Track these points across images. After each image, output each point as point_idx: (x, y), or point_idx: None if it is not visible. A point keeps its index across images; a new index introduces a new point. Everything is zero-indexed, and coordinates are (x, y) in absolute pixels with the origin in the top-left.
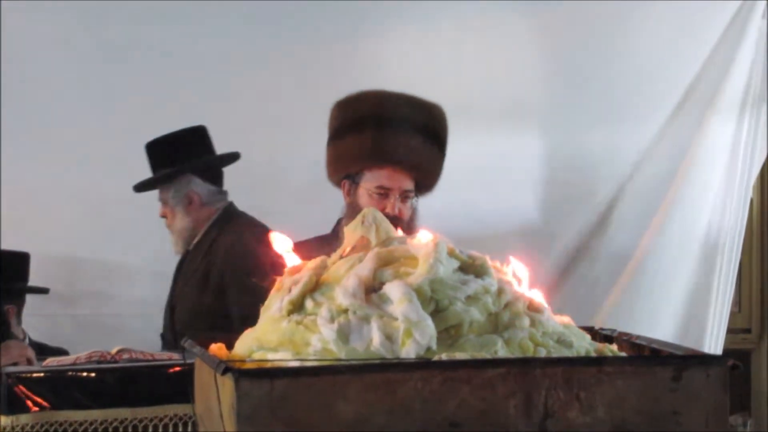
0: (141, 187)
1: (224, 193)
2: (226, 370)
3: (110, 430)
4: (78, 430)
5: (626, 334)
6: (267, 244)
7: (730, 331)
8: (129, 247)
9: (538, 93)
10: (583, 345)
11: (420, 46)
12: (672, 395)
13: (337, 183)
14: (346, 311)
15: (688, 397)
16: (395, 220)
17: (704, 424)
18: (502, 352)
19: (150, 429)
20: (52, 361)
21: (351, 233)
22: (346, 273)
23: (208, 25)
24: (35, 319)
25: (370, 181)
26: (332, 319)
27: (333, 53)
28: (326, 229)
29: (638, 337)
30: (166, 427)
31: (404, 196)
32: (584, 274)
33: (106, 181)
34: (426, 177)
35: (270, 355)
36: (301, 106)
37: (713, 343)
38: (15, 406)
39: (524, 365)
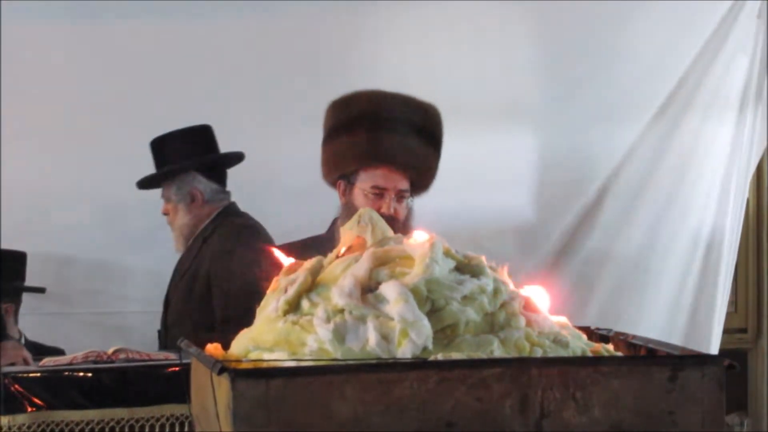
0: (144, 183)
1: (227, 193)
2: (222, 370)
3: (107, 429)
4: (75, 429)
5: (622, 334)
6: (256, 250)
7: (727, 330)
8: (127, 247)
9: (533, 92)
10: (579, 345)
11: (415, 46)
12: (668, 395)
13: (333, 183)
14: (342, 311)
15: (684, 397)
16: (391, 220)
17: (700, 423)
18: (498, 352)
19: (146, 429)
20: (48, 361)
21: (347, 233)
22: (342, 273)
23: (205, 25)
24: (32, 319)
25: (365, 181)
26: (328, 319)
27: (329, 53)
28: (323, 229)
29: (634, 336)
30: (162, 427)
31: (400, 196)
32: (579, 272)
33: (106, 180)
34: (421, 177)
35: (266, 355)
36: (297, 106)
37: (709, 343)
38: (12, 406)
39: (520, 365)
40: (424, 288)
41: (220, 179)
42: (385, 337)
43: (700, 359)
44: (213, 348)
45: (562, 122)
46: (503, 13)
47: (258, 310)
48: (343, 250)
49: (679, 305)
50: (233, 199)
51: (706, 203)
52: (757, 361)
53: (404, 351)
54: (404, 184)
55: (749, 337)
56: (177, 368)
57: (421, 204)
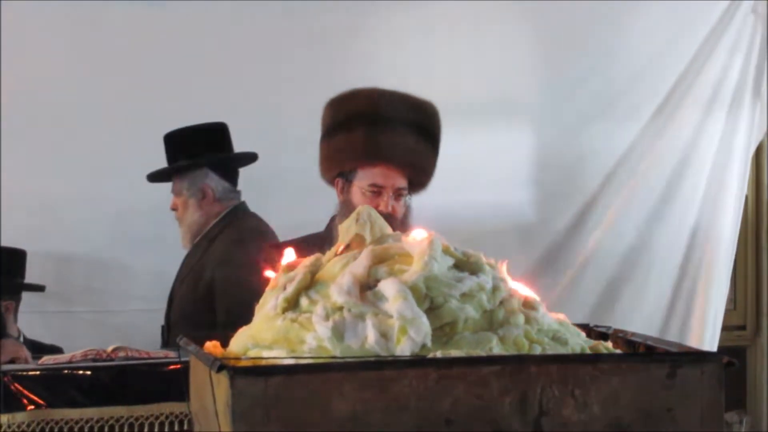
0: (155, 176)
1: (237, 193)
2: (221, 368)
3: (106, 427)
4: (74, 427)
5: (621, 331)
6: (263, 252)
7: (725, 328)
8: (128, 245)
9: (532, 90)
10: (578, 342)
11: (414, 45)
12: (667, 392)
13: (331, 181)
14: (341, 309)
15: (683, 394)
16: (389, 218)
17: (699, 421)
18: (497, 349)
19: (146, 427)
20: (47, 359)
21: (345, 231)
22: (341, 271)
23: (204, 24)
24: (33, 318)
25: (363, 179)
26: (327, 317)
27: (327, 51)
28: (323, 227)
29: (633, 334)
30: (161, 425)
31: (397, 194)
32: (577, 270)
33: (106, 178)
34: (419, 175)
35: (265, 353)
36: (295, 104)
37: (708, 341)
38: (11, 404)
39: (519, 362)
40: (422, 285)
41: (232, 178)
42: (384, 335)
43: (699, 356)
44: (212, 346)
45: (561, 120)
46: (502, 11)
47: (257, 308)
48: (341, 247)
49: (678, 302)
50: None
51: (705, 200)
52: (756, 359)
53: (403, 348)
54: (402, 182)
55: (748, 334)
56: (176, 366)
57: (420, 202)
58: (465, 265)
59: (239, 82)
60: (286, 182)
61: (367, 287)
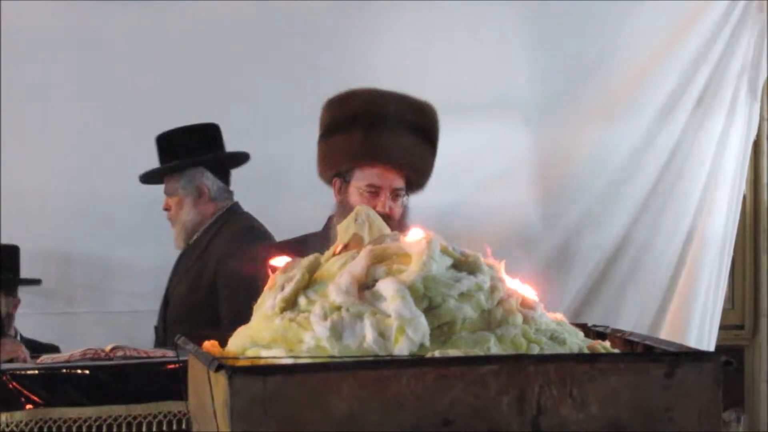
0: (149, 177)
1: (231, 193)
2: (220, 368)
3: (104, 426)
4: (72, 426)
5: (619, 331)
6: (261, 250)
7: (723, 327)
8: (126, 243)
9: (530, 90)
10: (576, 342)
11: (412, 44)
12: (665, 392)
13: (328, 181)
14: (339, 308)
15: (681, 393)
16: (386, 219)
17: (697, 420)
18: (495, 349)
19: (144, 426)
20: (46, 358)
21: (344, 231)
22: (339, 270)
23: (203, 24)
24: (31, 318)
25: (360, 180)
26: (325, 317)
27: (324, 51)
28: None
29: (631, 333)
30: (159, 424)
31: (395, 195)
32: (577, 269)
33: (105, 176)
34: (417, 175)
35: (263, 353)
36: (292, 104)
37: (706, 340)
38: (9, 403)
39: (517, 362)
40: (421, 285)
41: (226, 178)
42: (382, 335)
43: (697, 356)
44: (210, 345)
45: (558, 120)
46: (500, 11)
47: (255, 308)
48: (340, 247)
49: (676, 302)
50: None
51: (703, 199)
52: (753, 358)
53: (401, 348)
54: (399, 183)
55: (746, 333)
56: (175, 366)
57: (418, 202)
58: (463, 265)
59: (238, 83)
60: (282, 183)
61: (365, 287)
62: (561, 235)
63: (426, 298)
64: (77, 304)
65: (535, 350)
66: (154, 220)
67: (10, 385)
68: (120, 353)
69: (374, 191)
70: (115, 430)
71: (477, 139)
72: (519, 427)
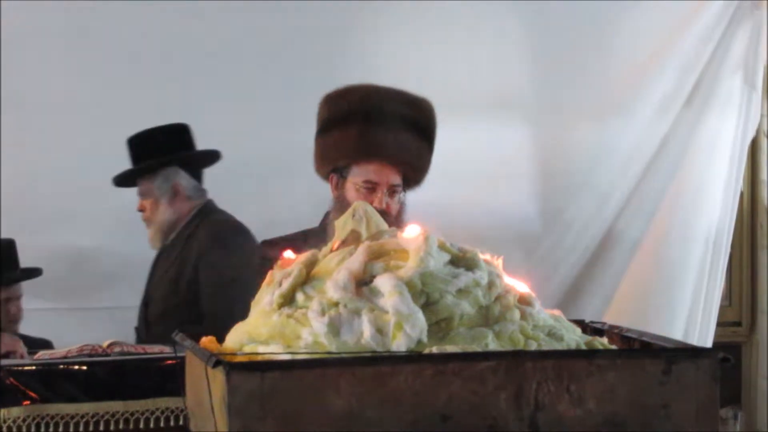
0: (122, 179)
1: (204, 191)
2: (217, 364)
3: (101, 423)
4: (69, 422)
5: (616, 327)
6: (244, 247)
7: (721, 324)
8: (122, 240)
9: (529, 87)
10: (574, 338)
11: (409, 40)
12: (662, 388)
13: (325, 176)
14: (336, 304)
15: (678, 390)
16: (383, 215)
17: (694, 417)
18: (492, 345)
19: (141, 422)
20: (43, 355)
21: (341, 227)
22: (337, 266)
23: (199, 20)
24: (27, 314)
25: (357, 176)
26: (323, 313)
27: (324, 50)
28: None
29: (628, 330)
30: (157, 420)
31: (392, 191)
32: (575, 267)
33: (105, 175)
34: (414, 171)
35: (261, 349)
36: (290, 100)
37: (703, 337)
38: (7, 399)
39: (515, 358)
40: (418, 281)
41: (199, 176)
42: (379, 331)
43: (695, 352)
44: (208, 341)
45: (559, 116)
46: (497, 7)
47: (252, 304)
48: (337, 243)
49: (673, 298)
50: (231, 194)
51: (701, 196)
52: (751, 355)
53: (399, 344)
54: (396, 179)
55: (743, 330)
56: (172, 362)
57: (416, 198)
58: (461, 261)
59: (237, 80)
60: (282, 181)
61: (363, 283)
62: (558, 232)
63: (423, 294)
64: (71, 300)
65: (533, 346)
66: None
67: (8, 381)
68: (117, 349)
69: (371, 187)
70: (112, 426)
71: (475, 136)
72: (517, 423)
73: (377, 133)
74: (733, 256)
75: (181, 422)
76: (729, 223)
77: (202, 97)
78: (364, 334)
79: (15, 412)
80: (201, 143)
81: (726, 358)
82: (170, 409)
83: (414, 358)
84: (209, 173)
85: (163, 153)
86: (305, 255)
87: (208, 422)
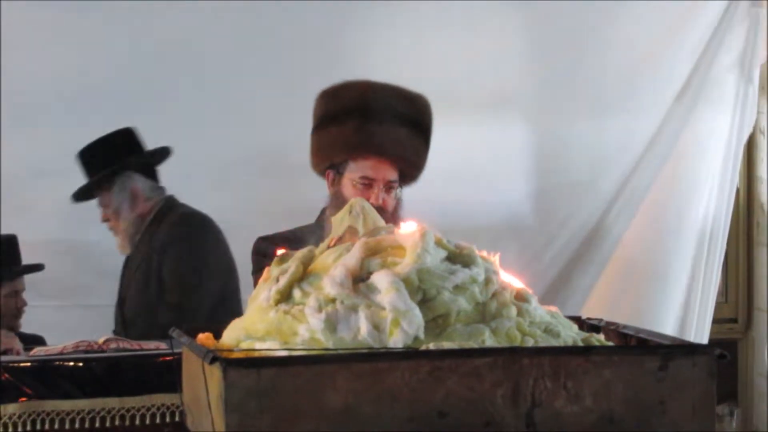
0: (80, 194)
1: (162, 188)
2: (214, 360)
3: (97, 419)
4: (65, 419)
5: (613, 324)
6: (206, 235)
7: (717, 321)
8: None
9: (526, 84)
10: (570, 335)
11: (407, 37)
12: (659, 385)
13: (321, 172)
14: (333, 301)
15: (674, 386)
16: (379, 211)
17: (691, 413)
18: (489, 341)
19: (137, 418)
20: (39, 351)
21: (338, 223)
22: (334, 263)
23: (198, 20)
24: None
25: (354, 172)
26: (320, 309)
27: (320, 48)
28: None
29: (625, 326)
30: (153, 416)
31: (388, 187)
32: (572, 264)
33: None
34: (410, 168)
35: (258, 345)
36: (287, 96)
37: (699, 333)
38: (2, 395)
39: (511, 355)
40: (415, 277)
41: (154, 176)
42: (376, 327)
43: (691, 349)
44: (205, 338)
45: (556, 114)
46: (496, 7)
47: (249, 300)
48: (334, 239)
49: (670, 295)
50: (227, 192)
51: (700, 194)
52: (747, 351)
53: (396, 340)
54: (393, 175)
55: (739, 327)
56: (168, 358)
57: (413, 194)
58: (458, 258)
59: (233, 79)
60: (281, 180)
61: (359, 279)
62: (554, 229)
63: (420, 290)
64: (68, 297)
65: (530, 343)
66: None
67: (3, 377)
68: (113, 345)
69: (368, 183)
70: (108, 422)
71: (471, 132)
72: (513, 420)
73: (374, 129)
74: (730, 252)
75: (177, 419)
76: (725, 219)
77: (201, 96)
78: (360, 331)
79: (11, 408)
80: (198, 142)
81: (723, 355)
82: (167, 406)
83: (411, 354)
84: (208, 173)
85: (113, 161)
86: (302, 251)
87: (205, 418)
